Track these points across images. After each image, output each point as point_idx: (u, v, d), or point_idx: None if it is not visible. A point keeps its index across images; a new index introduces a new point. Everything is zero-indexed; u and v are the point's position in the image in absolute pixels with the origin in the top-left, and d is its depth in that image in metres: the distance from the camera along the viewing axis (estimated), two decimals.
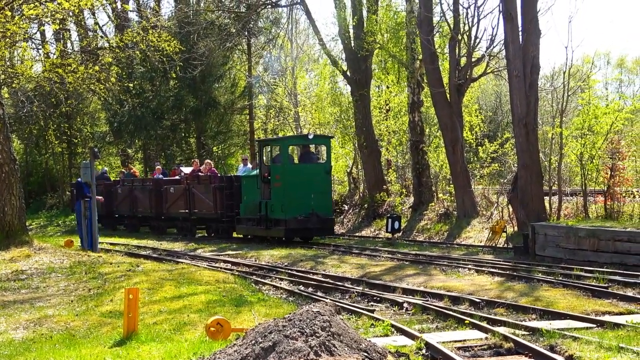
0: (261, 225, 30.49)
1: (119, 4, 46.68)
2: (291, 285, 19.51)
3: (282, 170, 29.90)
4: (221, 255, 26.62)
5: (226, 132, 52.06)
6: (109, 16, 53.91)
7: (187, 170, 37.65)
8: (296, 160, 32.29)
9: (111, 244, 31.95)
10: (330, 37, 47.16)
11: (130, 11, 50.36)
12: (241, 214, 31.97)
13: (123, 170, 44.25)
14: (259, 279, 20.37)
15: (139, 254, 27.65)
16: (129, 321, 12.84)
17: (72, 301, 16.63)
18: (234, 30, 44.96)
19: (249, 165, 35.18)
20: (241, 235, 32.73)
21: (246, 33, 47.65)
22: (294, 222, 29.31)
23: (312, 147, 31.42)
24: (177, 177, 37.58)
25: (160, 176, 38.85)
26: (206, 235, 35.20)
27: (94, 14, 52.07)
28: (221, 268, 22.91)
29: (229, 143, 53.35)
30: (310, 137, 31.27)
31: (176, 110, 48.97)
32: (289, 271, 21.57)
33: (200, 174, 35.17)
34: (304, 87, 54.20)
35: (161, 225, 37.93)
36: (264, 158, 31.13)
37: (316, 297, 16.89)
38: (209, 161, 38.03)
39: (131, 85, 44.61)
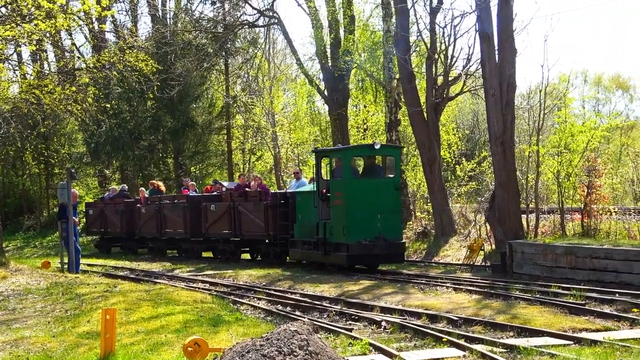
0: (319, 250, 26.47)
1: (96, 25, 46.63)
2: (269, 304, 19.46)
3: (343, 185, 25.66)
4: (199, 275, 26.51)
5: (204, 152, 52.01)
6: (86, 37, 53.88)
7: (227, 185, 34.46)
8: (360, 175, 27.11)
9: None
10: (308, 56, 47.17)
11: (107, 32, 50.35)
12: (296, 236, 28.05)
13: (142, 188, 40.44)
14: (236, 299, 20.31)
15: (116, 274, 27.53)
16: (106, 342, 12.80)
17: (49, 322, 16.53)
18: (211, 51, 45.02)
19: (304, 179, 31.78)
20: (295, 261, 28.98)
21: (223, 53, 47.76)
22: (357, 247, 25.13)
23: (379, 159, 27.15)
24: (215, 193, 33.60)
25: (194, 193, 35.48)
26: (250, 258, 31.93)
27: (70, 34, 52.08)
28: (199, 288, 22.84)
29: (207, 163, 53.35)
30: (377, 147, 26.23)
31: (154, 130, 48.92)
32: (267, 291, 21.53)
33: (247, 189, 31.33)
34: (281, 107, 54.25)
35: (196, 248, 33.95)
36: (322, 172, 27.22)
37: (294, 316, 16.86)
38: (258, 175, 35.40)
39: (108, 105, 44.51)
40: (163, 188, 39.56)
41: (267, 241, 29.95)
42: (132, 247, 38.27)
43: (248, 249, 32.01)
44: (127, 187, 41.99)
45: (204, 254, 33.66)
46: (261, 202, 29.48)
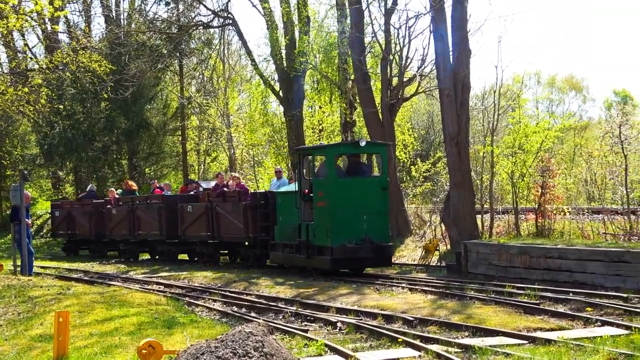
0: (301, 254, 24.96)
1: (48, 26, 46.26)
2: (224, 306, 19.37)
3: (327, 185, 24.15)
4: (154, 277, 26.32)
5: (158, 153, 51.79)
6: (38, 37, 53.58)
7: (205, 184, 33.50)
8: (345, 173, 25.25)
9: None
10: (263, 57, 47.24)
11: (60, 32, 50.04)
12: (276, 239, 26.53)
13: (111, 189, 38.80)
14: (192, 301, 20.19)
15: (70, 277, 27.28)
16: (59, 345, 12.67)
17: (1, 325, 16.38)
18: (166, 52, 44.86)
19: (285, 179, 30.25)
20: (275, 264, 27.50)
21: (178, 54, 47.57)
22: (341, 250, 23.64)
23: (364, 157, 25.95)
24: (192, 193, 32.39)
25: (169, 193, 34.75)
26: (229, 262, 30.39)
27: (23, 35, 51.68)
28: (154, 290, 22.67)
29: (162, 164, 53.12)
30: (362, 144, 24.73)
31: (107, 131, 48.62)
32: (222, 292, 21.43)
33: (225, 189, 29.89)
34: (236, 108, 54.17)
35: (172, 251, 32.51)
36: (304, 170, 25.35)
37: (249, 318, 16.78)
38: (237, 174, 33.48)
39: (62, 107, 44.12)
40: (135, 187, 38.18)
41: (246, 244, 28.66)
42: (102, 249, 36.94)
43: (227, 251, 30.59)
44: (95, 187, 41.23)
45: (180, 257, 32.67)
46: (240, 203, 28.17)
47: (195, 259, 31.24)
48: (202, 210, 29.99)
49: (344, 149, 26.13)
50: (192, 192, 32.63)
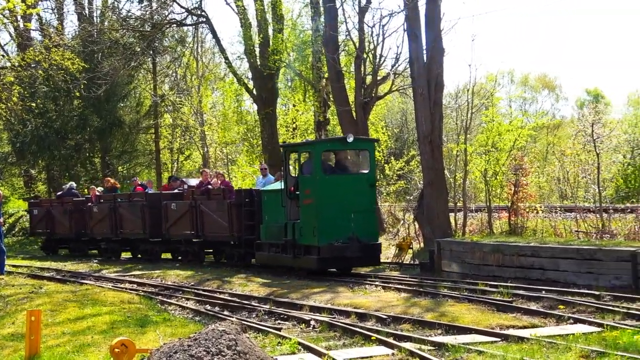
0: (287, 253, 24.20)
1: (21, 23, 46.02)
2: (197, 304, 19.30)
3: (313, 182, 23.44)
4: (126, 275, 26.17)
5: (131, 151, 51.57)
6: (10, 35, 53.15)
7: (190, 182, 32.76)
8: (331, 170, 24.57)
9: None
10: (237, 55, 47.22)
11: (33, 30, 49.67)
12: (262, 238, 25.78)
13: (92, 186, 37.51)
14: (164, 299, 20.10)
15: (42, 275, 27.10)
16: (30, 344, 12.61)
17: None
18: (139, 49, 44.65)
19: (270, 176, 28.94)
20: (260, 264, 26.58)
21: (151, 52, 47.37)
22: (329, 249, 22.99)
23: (351, 154, 25.21)
24: (177, 191, 31.50)
25: (151, 190, 33.87)
26: (214, 261, 29.49)
27: None
28: (126, 288, 22.54)
29: (135, 162, 52.89)
30: (350, 139, 23.50)
31: (80, 129, 48.35)
32: (196, 291, 21.35)
33: (210, 187, 28.97)
34: (210, 106, 54.07)
35: (156, 249, 31.56)
36: (290, 168, 25.03)
37: (222, 316, 16.74)
38: (221, 172, 33.05)
39: (34, 104, 43.81)
40: (118, 185, 37.46)
41: (231, 243, 27.73)
42: (82, 248, 35.71)
43: (212, 250, 29.75)
44: (75, 184, 40.64)
45: (164, 256, 31.86)
46: (225, 201, 27.31)
47: (179, 258, 30.52)
48: (187, 208, 29.07)
49: (331, 145, 25.32)
50: (176, 190, 31.91)
